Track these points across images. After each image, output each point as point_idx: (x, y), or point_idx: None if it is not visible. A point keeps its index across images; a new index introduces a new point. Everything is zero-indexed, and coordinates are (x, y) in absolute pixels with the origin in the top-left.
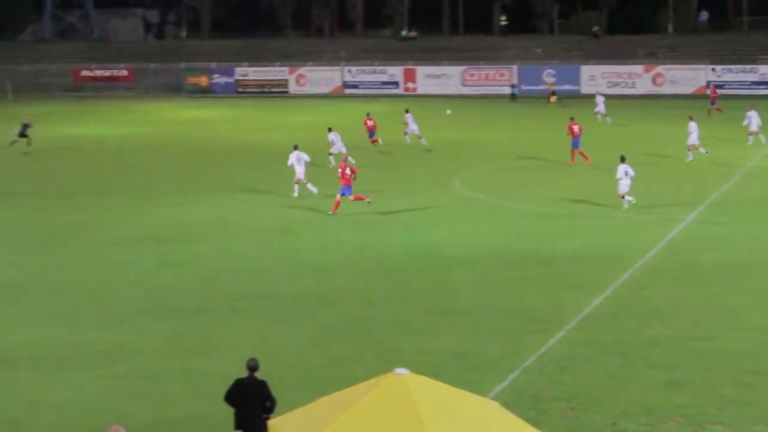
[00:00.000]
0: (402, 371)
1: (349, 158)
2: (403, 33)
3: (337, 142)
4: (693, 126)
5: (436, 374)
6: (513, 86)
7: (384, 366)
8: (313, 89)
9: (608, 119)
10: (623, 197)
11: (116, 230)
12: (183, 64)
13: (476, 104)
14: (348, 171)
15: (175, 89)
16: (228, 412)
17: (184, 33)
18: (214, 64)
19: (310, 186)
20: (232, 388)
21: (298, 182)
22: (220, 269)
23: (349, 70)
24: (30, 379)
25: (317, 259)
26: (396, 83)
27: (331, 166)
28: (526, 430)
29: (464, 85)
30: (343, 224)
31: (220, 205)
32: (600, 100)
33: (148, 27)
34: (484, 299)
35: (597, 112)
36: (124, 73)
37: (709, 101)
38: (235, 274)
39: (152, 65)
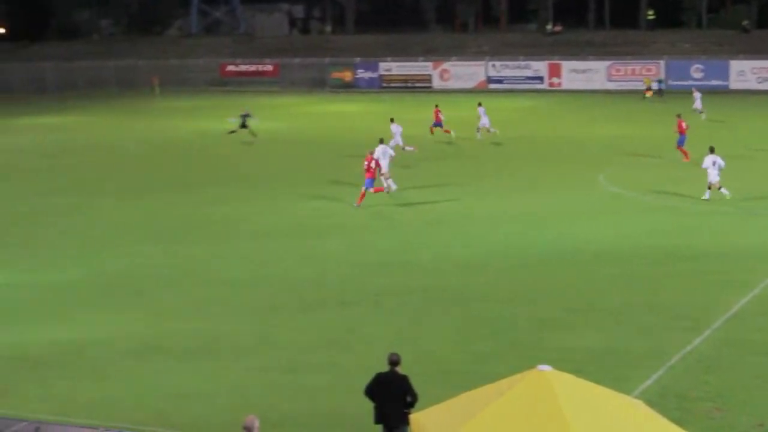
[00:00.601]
0: (545, 368)
1: (407, 148)
2: (548, 27)
3: (396, 135)
4: None
5: (579, 371)
6: (659, 81)
7: (526, 363)
8: (456, 84)
9: (703, 116)
10: (710, 187)
11: (259, 223)
12: (327, 59)
13: (621, 99)
14: (373, 164)
15: (320, 84)
16: (368, 407)
17: (329, 28)
18: (358, 59)
19: (390, 182)
20: (373, 382)
21: (383, 177)
22: (363, 263)
23: (493, 65)
24: (176, 369)
25: (461, 254)
26: (540, 78)
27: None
28: (670, 430)
29: (609, 80)
30: (485, 219)
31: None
32: (698, 96)
33: (293, 22)
34: (628, 296)
35: (695, 109)
36: (269, 68)
37: None
38: (378, 268)
39: (297, 60)
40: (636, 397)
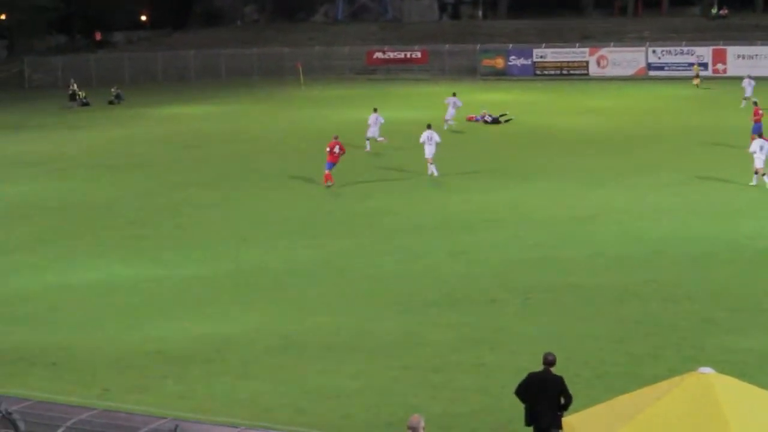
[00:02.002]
0: (707, 370)
1: (380, 139)
2: (713, 11)
3: (373, 126)
4: None
5: (742, 375)
6: None
7: (686, 365)
8: (615, 71)
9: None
10: (756, 172)
11: (406, 217)
12: (478, 46)
13: None
14: (336, 149)
15: (471, 72)
16: (519, 408)
17: (480, 13)
18: (510, 46)
19: (433, 168)
20: (525, 382)
21: (427, 161)
22: (514, 259)
23: (654, 51)
24: (317, 366)
25: (618, 250)
26: (705, 65)
27: (366, 150)
28: None
29: None
30: (643, 214)
31: (515, 192)
32: (747, 83)
33: (443, 7)
34: None
35: (746, 98)
36: (418, 55)
37: None
38: (529, 264)
39: (447, 47)
40: None
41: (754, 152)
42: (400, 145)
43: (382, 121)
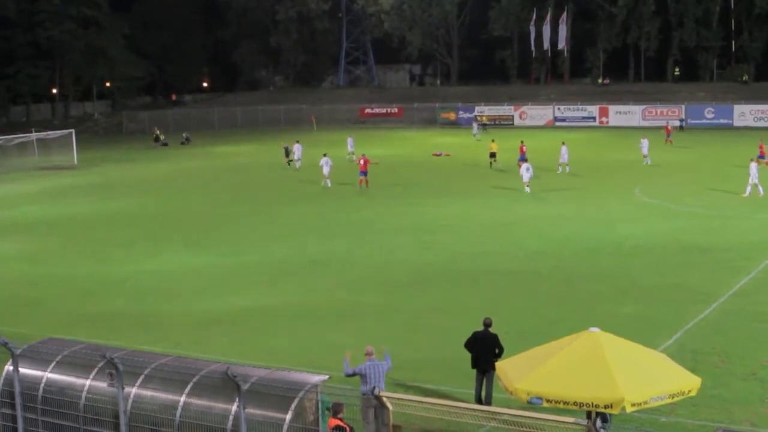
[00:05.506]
0: (595, 330)
1: (296, 161)
2: (599, 81)
3: (297, 152)
4: None
5: (620, 332)
6: (682, 120)
7: (582, 326)
8: (531, 122)
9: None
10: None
11: (388, 223)
12: (437, 104)
13: (651, 133)
14: (361, 162)
15: (432, 122)
16: (466, 356)
17: (438, 81)
18: (460, 104)
19: (328, 181)
20: (471, 338)
21: (325, 176)
22: (464, 252)
23: (559, 108)
24: (327, 327)
25: (534, 245)
26: (593, 118)
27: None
28: (685, 375)
29: (644, 119)
30: (554, 221)
31: (462, 205)
32: (644, 143)
33: (412, 77)
34: (658, 278)
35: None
36: (395, 110)
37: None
38: (473, 255)
39: (415, 105)
40: (660, 351)
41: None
42: (382, 172)
43: (302, 148)
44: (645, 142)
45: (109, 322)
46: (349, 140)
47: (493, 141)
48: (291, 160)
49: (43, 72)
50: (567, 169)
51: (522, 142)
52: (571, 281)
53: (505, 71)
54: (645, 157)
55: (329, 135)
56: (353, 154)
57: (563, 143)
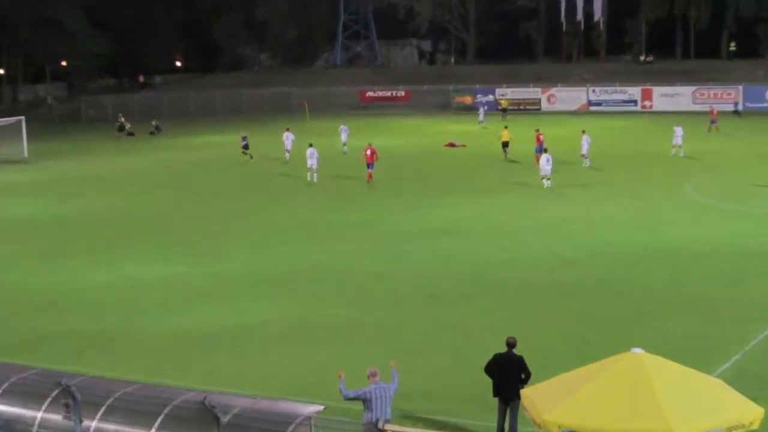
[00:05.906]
0: (638, 351)
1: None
2: (641, 58)
3: (287, 141)
4: None
5: (668, 354)
6: (736, 104)
7: (624, 346)
8: (561, 107)
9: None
10: None
11: (393, 227)
12: (451, 86)
13: (704, 119)
14: (368, 152)
15: (445, 107)
16: (487, 383)
17: (452, 60)
18: (477, 86)
19: (315, 175)
20: (492, 361)
21: (312, 169)
22: (482, 260)
23: (594, 90)
24: (317, 348)
25: (567, 252)
26: (634, 101)
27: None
28: (745, 404)
29: (694, 103)
30: (590, 223)
31: (480, 204)
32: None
33: (422, 54)
34: (713, 289)
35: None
36: (402, 93)
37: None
38: (495, 264)
39: (425, 87)
40: (716, 377)
41: None
42: (387, 166)
43: (293, 137)
44: (678, 130)
45: (66, 342)
46: (343, 129)
47: (505, 128)
48: (250, 154)
49: None
50: (586, 162)
51: (537, 130)
52: (610, 294)
53: (530, 47)
54: (674, 147)
55: (325, 123)
56: (345, 145)
57: (583, 132)
